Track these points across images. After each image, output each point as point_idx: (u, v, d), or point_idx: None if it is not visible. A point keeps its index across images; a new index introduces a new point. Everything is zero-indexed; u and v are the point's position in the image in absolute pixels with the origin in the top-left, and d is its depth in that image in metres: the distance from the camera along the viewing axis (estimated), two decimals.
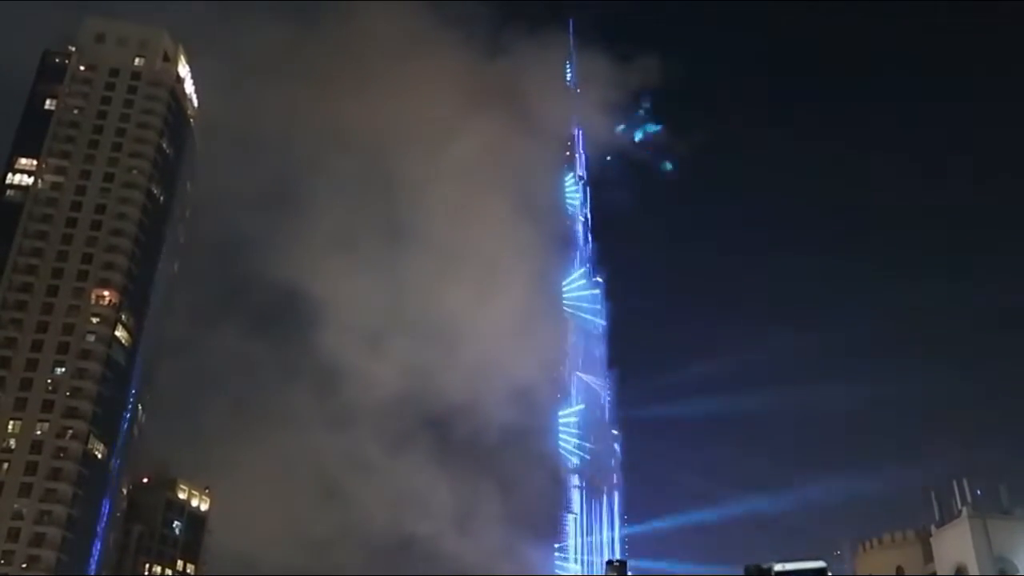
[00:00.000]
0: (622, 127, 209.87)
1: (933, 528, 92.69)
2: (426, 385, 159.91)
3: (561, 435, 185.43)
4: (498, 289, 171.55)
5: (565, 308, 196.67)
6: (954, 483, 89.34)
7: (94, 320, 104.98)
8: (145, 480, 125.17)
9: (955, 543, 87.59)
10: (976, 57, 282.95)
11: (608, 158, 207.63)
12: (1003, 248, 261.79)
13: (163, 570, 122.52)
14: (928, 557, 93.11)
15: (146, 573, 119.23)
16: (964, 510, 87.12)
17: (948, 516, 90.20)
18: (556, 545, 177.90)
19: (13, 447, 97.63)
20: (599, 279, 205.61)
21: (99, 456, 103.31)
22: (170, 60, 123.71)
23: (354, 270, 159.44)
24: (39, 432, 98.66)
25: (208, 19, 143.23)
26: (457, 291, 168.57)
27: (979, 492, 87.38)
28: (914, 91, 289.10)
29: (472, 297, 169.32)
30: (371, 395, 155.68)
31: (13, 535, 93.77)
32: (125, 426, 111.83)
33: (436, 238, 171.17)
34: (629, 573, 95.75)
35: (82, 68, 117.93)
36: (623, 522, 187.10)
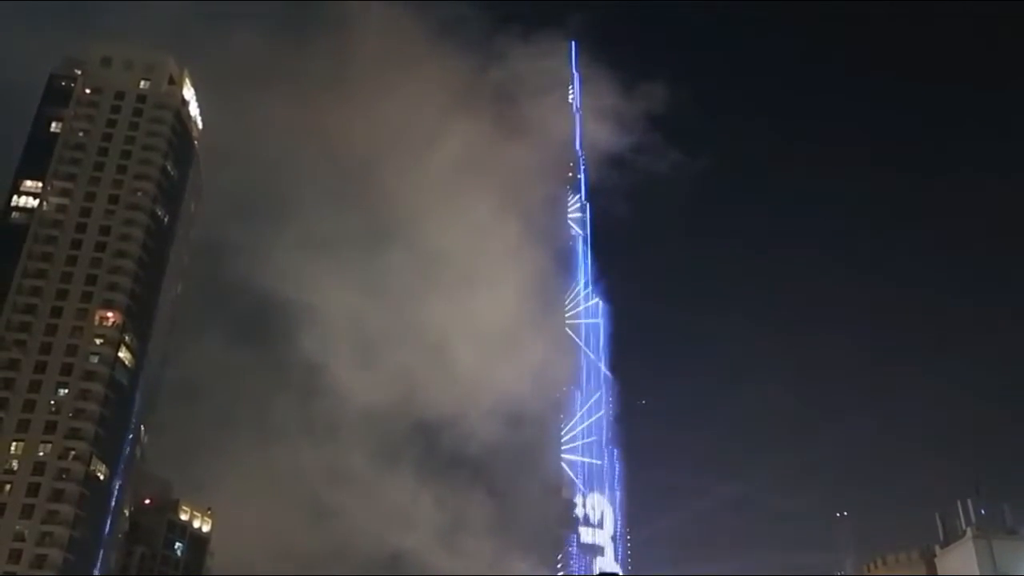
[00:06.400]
0: (625, 146, 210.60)
1: (937, 548, 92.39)
2: (420, 397, 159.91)
3: (563, 451, 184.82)
4: (496, 302, 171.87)
5: (566, 324, 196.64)
6: (958, 503, 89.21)
7: (98, 341, 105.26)
8: (147, 501, 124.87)
9: (960, 563, 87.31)
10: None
11: (610, 176, 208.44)
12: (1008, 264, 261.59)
13: None
14: None
15: None
16: (968, 530, 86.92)
17: (952, 536, 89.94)
18: (558, 564, 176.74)
19: (15, 468, 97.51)
20: (600, 297, 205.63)
21: (101, 477, 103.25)
22: (175, 83, 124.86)
23: (345, 279, 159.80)
24: (42, 453, 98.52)
25: (194, 26, 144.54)
26: (456, 304, 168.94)
27: (983, 512, 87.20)
28: (917, 101, 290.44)
29: (471, 309, 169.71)
30: (363, 407, 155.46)
31: (15, 557, 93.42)
32: (127, 447, 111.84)
33: (432, 248, 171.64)
34: None
35: (88, 91, 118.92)
36: (625, 536, 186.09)
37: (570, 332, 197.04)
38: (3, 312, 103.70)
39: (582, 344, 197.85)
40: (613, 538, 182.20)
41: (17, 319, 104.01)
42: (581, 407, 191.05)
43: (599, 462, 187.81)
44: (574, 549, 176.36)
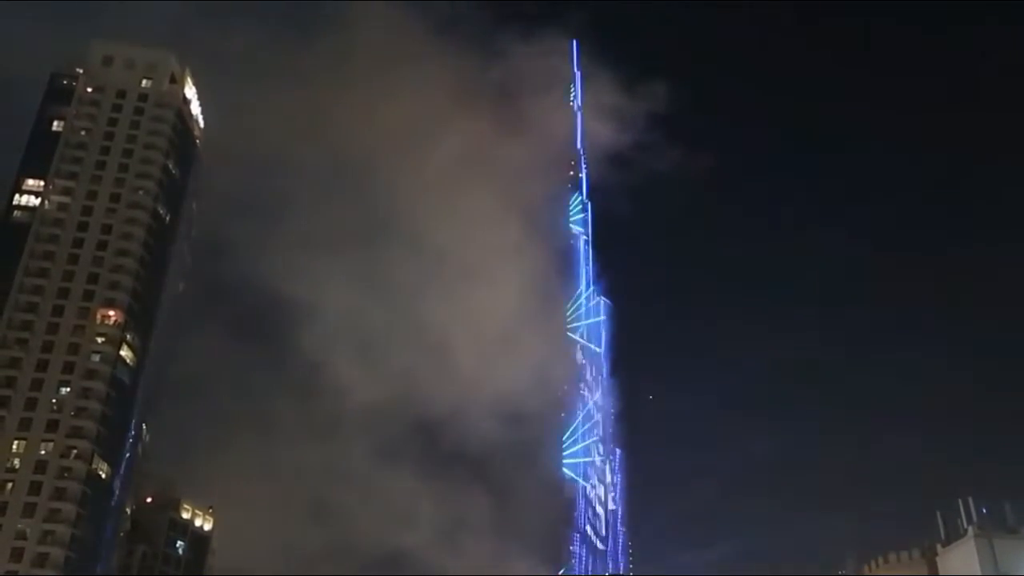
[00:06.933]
0: (626, 144, 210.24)
1: (939, 547, 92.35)
2: (421, 394, 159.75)
3: (565, 452, 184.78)
4: (497, 300, 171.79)
5: (568, 322, 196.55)
6: (959, 502, 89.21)
7: (99, 340, 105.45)
8: (149, 500, 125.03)
9: (961, 562, 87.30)
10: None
11: (611, 174, 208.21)
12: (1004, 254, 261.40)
13: None
14: None
15: None
16: (970, 529, 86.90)
17: (954, 535, 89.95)
18: (560, 565, 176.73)
19: (17, 467, 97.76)
20: (602, 295, 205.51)
21: (103, 476, 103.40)
22: (177, 82, 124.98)
23: (347, 277, 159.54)
24: (43, 452, 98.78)
25: (195, 25, 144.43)
26: (457, 301, 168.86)
27: (984, 511, 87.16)
28: (919, 97, 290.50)
29: (472, 307, 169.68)
30: (363, 405, 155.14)
31: (16, 555, 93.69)
32: (129, 446, 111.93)
33: (433, 246, 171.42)
34: None
35: (89, 90, 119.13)
36: (627, 538, 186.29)
37: (571, 330, 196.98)
38: (5, 310, 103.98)
39: (583, 342, 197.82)
40: (613, 532, 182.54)
41: (19, 318, 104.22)
42: (582, 405, 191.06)
43: (600, 457, 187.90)
44: (576, 547, 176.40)
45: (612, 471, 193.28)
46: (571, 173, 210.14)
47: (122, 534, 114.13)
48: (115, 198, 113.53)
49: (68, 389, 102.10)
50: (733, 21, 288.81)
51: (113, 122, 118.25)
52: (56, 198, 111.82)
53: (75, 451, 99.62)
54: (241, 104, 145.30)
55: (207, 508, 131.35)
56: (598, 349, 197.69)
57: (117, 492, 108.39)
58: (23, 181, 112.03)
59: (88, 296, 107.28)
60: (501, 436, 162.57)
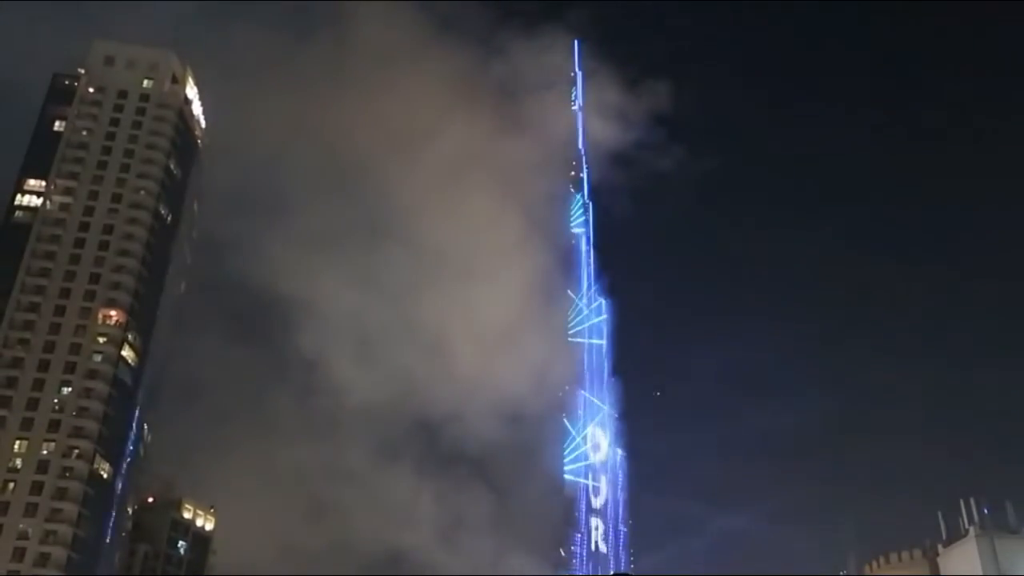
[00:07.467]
0: (628, 144, 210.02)
1: (940, 547, 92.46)
2: (421, 394, 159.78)
3: (566, 452, 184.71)
4: (498, 300, 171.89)
5: (569, 322, 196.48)
6: (961, 502, 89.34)
7: (101, 340, 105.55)
8: (150, 500, 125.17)
9: (963, 562, 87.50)
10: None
11: (613, 174, 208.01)
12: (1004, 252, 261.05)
13: None
14: None
15: None
16: (971, 529, 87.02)
17: (955, 535, 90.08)
18: (561, 565, 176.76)
19: (19, 467, 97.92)
20: (603, 296, 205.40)
21: (105, 476, 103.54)
22: (178, 82, 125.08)
23: (348, 276, 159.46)
24: (45, 452, 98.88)
25: (197, 24, 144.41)
26: (457, 301, 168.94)
27: (986, 511, 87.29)
28: (921, 95, 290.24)
29: (473, 307, 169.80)
30: (364, 404, 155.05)
31: (18, 555, 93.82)
32: (131, 445, 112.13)
33: (433, 245, 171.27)
34: None
35: (91, 90, 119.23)
36: (629, 537, 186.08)
37: (572, 331, 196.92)
38: (7, 311, 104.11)
39: (585, 343, 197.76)
40: (615, 532, 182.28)
41: (20, 318, 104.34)
42: (584, 406, 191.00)
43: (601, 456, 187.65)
44: (576, 547, 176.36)
45: (613, 470, 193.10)
46: (572, 173, 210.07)
47: (124, 534, 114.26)
48: (117, 198, 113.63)
49: (70, 389, 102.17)
50: (736, 21, 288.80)
51: (115, 122, 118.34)
52: (58, 198, 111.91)
53: (77, 451, 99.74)
54: (242, 104, 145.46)
55: (208, 508, 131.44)
56: (596, 354, 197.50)
57: (119, 492, 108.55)
58: (25, 181, 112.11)
59: (90, 296, 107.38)
60: (501, 436, 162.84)
